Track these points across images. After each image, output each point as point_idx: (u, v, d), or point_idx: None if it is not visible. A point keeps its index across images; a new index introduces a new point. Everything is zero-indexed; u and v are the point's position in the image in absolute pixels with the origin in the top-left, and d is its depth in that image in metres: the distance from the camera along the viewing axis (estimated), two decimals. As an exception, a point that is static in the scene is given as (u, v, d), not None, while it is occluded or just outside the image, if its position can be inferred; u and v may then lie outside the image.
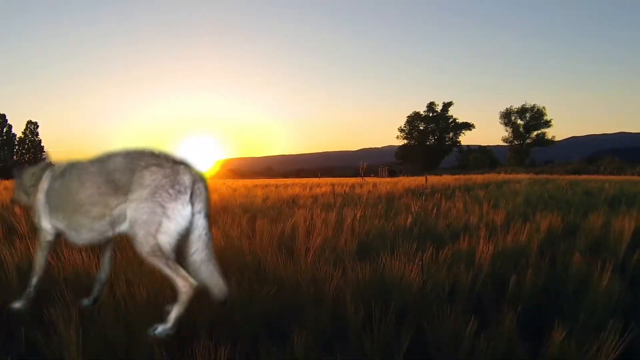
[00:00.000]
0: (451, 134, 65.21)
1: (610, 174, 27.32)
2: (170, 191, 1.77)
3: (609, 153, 53.99)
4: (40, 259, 2.16)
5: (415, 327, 1.76)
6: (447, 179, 15.69)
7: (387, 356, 1.61)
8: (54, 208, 2.08)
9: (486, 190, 10.10)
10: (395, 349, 1.60)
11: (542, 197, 8.71)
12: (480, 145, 70.95)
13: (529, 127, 59.73)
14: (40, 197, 2.12)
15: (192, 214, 1.81)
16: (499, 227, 4.05)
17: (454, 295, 2.24)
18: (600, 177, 21.47)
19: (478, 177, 17.00)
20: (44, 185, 2.13)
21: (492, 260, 2.69)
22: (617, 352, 1.52)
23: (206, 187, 1.88)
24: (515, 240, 3.52)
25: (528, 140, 59.93)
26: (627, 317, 2.19)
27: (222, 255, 2.62)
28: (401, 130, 66.72)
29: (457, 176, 17.75)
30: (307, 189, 10.12)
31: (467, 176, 17.82)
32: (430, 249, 2.90)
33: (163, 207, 1.76)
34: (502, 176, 19.58)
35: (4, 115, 60.00)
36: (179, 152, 1.91)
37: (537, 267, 2.53)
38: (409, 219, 4.53)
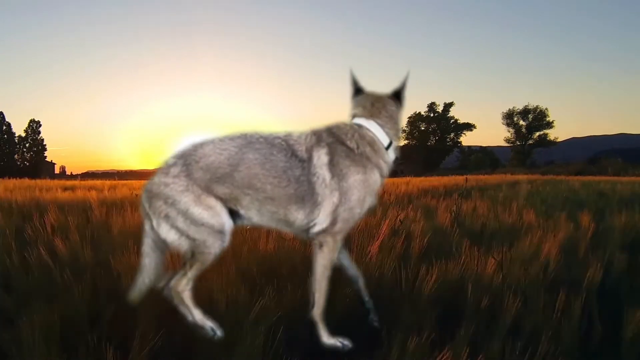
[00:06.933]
0: (452, 135, 64.94)
1: (614, 175, 27.26)
2: None
3: (610, 154, 54.01)
4: None
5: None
6: (456, 179, 15.77)
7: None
8: None
9: (506, 191, 10.15)
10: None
11: (558, 197, 8.79)
12: (481, 146, 70.97)
13: (531, 128, 59.79)
14: None
15: None
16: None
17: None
18: (604, 178, 21.44)
19: (489, 178, 17.07)
20: None
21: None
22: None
23: None
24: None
25: (530, 141, 59.99)
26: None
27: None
28: (402, 130, 66.46)
29: (465, 176, 17.80)
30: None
31: (476, 176, 17.88)
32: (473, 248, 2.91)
33: None
34: (507, 177, 19.63)
35: (1, 113, 58.53)
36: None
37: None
38: (447, 219, 4.50)
